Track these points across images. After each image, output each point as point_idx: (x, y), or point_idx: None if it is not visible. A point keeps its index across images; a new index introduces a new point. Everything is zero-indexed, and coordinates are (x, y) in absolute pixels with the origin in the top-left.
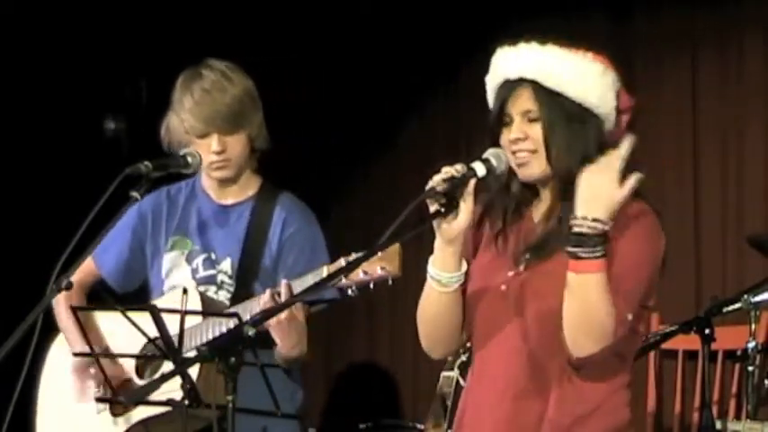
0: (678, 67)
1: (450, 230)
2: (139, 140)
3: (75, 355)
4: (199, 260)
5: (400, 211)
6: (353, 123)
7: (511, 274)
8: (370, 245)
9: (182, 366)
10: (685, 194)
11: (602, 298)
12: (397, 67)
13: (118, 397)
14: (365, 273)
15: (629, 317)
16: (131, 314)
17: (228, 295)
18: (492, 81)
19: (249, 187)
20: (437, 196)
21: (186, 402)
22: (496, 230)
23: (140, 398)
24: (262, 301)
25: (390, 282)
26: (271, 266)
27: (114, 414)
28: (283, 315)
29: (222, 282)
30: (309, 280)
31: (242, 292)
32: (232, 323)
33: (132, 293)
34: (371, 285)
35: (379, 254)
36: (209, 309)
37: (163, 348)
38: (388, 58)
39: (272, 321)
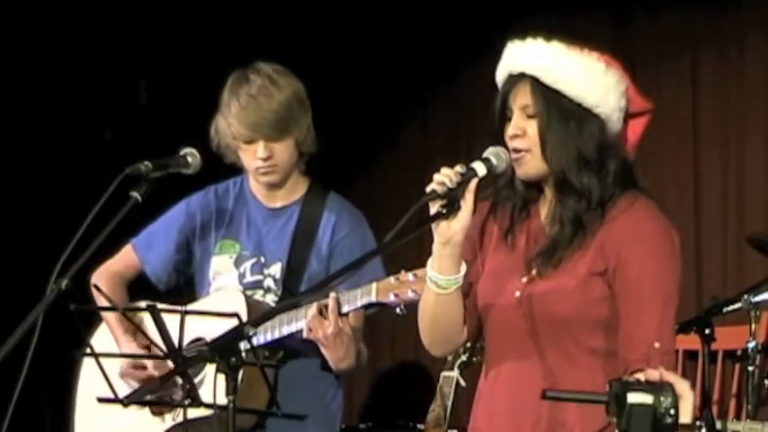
0: (678, 67)
1: (449, 231)
2: (138, 142)
3: (79, 355)
4: (247, 264)
5: (401, 212)
6: (353, 123)
7: (524, 280)
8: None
9: (182, 366)
10: (685, 194)
11: None
12: (397, 66)
13: (118, 397)
14: (414, 292)
15: (657, 344)
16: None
17: (276, 299)
18: (499, 75)
19: (297, 190)
20: (438, 198)
21: (187, 402)
22: (505, 229)
23: (140, 398)
24: (309, 313)
25: None
26: (320, 270)
27: (154, 413)
28: (329, 330)
29: (269, 287)
30: (358, 296)
31: (287, 295)
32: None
33: (176, 290)
34: None
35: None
36: (255, 311)
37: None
38: (388, 59)
39: (320, 336)
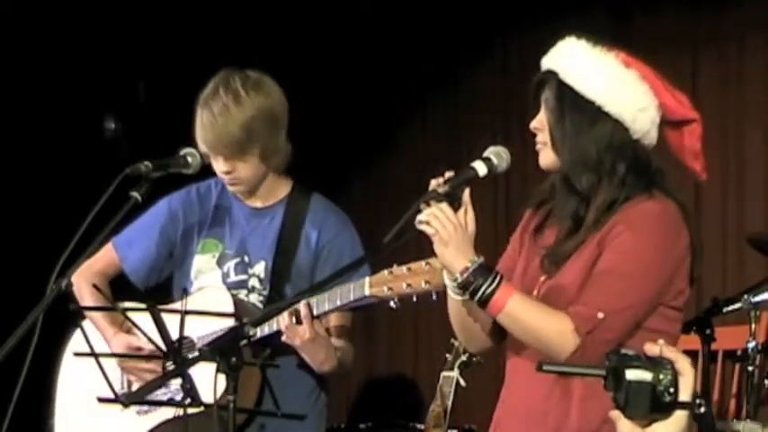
0: (678, 66)
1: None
2: (137, 142)
3: (75, 354)
4: (231, 264)
5: (400, 213)
6: (353, 123)
7: (542, 278)
8: (370, 246)
9: (182, 366)
10: (686, 194)
11: (530, 319)
12: (397, 67)
13: (118, 397)
14: (408, 286)
15: (600, 315)
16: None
17: (260, 298)
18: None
19: (279, 190)
20: (438, 197)
21: (187, 402)
22: (535, 227)
23: (139, 398)
24: (283, 324)
25: (434, 296)
26: (306, 269)
27: (140, 412)
28: (306, 335)
29: (253, 287)
30: (351, 289)
31: (275, 295)
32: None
33: (154, 289)
34: (414, 298)
35: (425, 267)
36: (242, 311)
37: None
38: (388, 59)
39: (297, 342)
